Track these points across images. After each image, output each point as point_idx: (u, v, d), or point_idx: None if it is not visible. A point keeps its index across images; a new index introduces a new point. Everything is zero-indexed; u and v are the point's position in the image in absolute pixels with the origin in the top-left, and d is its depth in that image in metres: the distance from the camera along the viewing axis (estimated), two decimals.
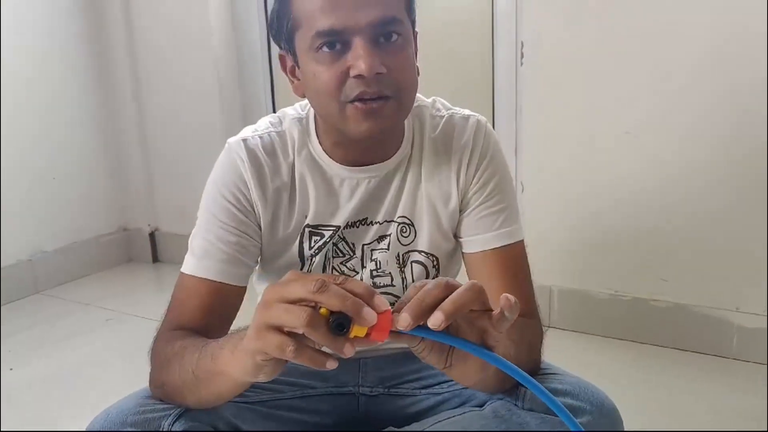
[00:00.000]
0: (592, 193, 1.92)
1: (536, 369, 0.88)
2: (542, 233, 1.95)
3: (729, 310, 1.78)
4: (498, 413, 0.83)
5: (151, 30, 2.64)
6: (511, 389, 0.84)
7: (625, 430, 0.84)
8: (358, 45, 0.80)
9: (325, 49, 0.81)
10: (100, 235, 2.80)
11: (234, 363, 0.67)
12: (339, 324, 0.56)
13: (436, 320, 0.57)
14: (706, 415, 1.52)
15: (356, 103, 0.82)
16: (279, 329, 0.58)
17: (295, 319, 0.56)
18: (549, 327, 1.76)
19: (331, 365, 0.59)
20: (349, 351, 0.57)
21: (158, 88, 2.70)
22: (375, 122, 0.84)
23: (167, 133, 2.74)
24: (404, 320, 0.57)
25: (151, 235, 2.88)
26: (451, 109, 1.00)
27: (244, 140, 0.94)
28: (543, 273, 1.95)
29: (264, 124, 0.98)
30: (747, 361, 1.76)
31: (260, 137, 0.95)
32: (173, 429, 0.79)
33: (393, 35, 0.82)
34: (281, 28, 0.88)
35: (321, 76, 0.83)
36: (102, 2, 2.67)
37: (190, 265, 0.91)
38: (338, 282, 0.58)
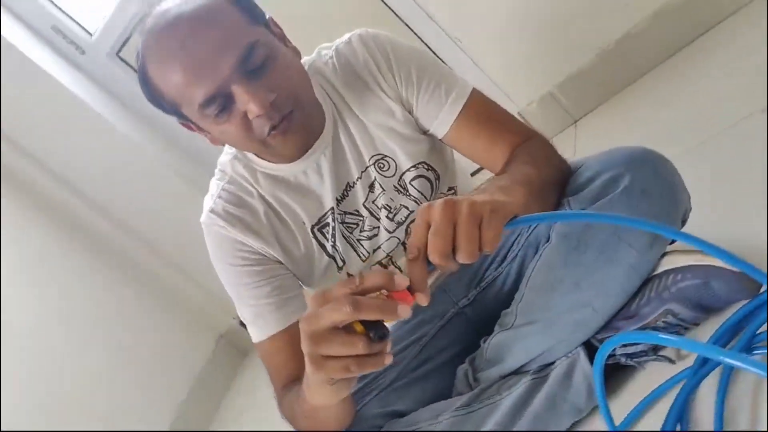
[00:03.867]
0: None
1: (568, 170, 0.90)
2: None
3: None
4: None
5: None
6: None
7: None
8: (238, 91, 0.83)
9: (215, 111, 0.85)
10: None
11: (315, 396, 0.72)
12: (382, 335, 0.63)
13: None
14: None
15: (271, 134, 0.86)
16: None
17: (352, 349, 0.62)
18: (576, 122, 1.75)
19: (389, 360, 0.65)
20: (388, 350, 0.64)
21: None
22: (297, 135, 0.89)
23: None
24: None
25: None
26: (332, 44, 1.00)
27: (212, 210, 0.98)
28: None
29: (214, 185, 1.01)
30: None
31: (219, 197, 0.99)
32: None
33: (259, 58, 0.84)
34: (166, 109, 0.91)
35: (228, 132, 0.87)
36: None
37: (254, 333, 0.97)
38: (358, 286, 0.62)
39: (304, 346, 0.65)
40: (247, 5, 0.88)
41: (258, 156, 0.97)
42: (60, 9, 2.05)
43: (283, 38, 0.92)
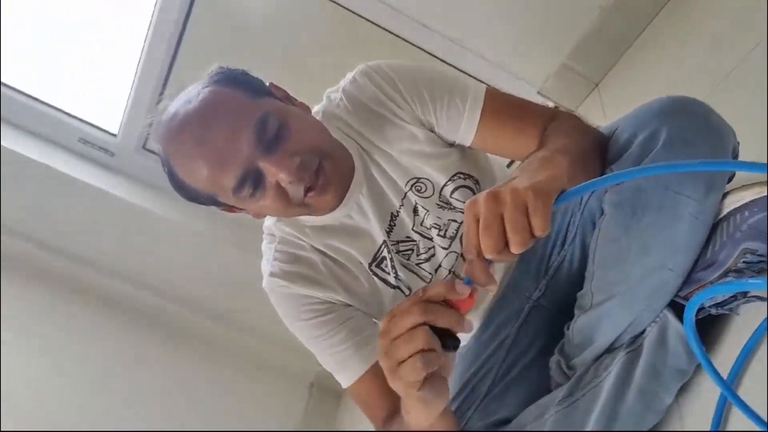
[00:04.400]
0: None
1: (602, 137, 0.89)
2: None
3: None
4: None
5: None
6: None
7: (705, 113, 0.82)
8: (265, 166, 0.86)
9: (249, 191, 0.88)
10: None
11: (414, 416, 0.74)
12: (455, 345, 0.68)
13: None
14: None
15: (308, 195, 0.89)
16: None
17: (416, 343, 0.66)
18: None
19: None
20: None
21: None
22: (333, 187, 0.91)
23: None
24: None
25: None
26: (338, 86, 1.01)
27: (271, 273, 1.00)
28: None
29: (266, 249, 1.04)
30: None
31: (275, 259, 1.01)
32: None
33: (273, 128, 0.86)
34: (205, 203, 0.94)
35: (267, 206, 0.91)
36: None
37: (343, 379, 0.99)
38: (421, 297, 0.66)
39: (382, 362, 0.68)
40: (245, 83, 0.91)
41: None
42: (82, 120, 2.13)
43: (288, 99, 0.95)
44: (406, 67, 0.98)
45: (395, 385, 0.69)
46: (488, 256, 0.66)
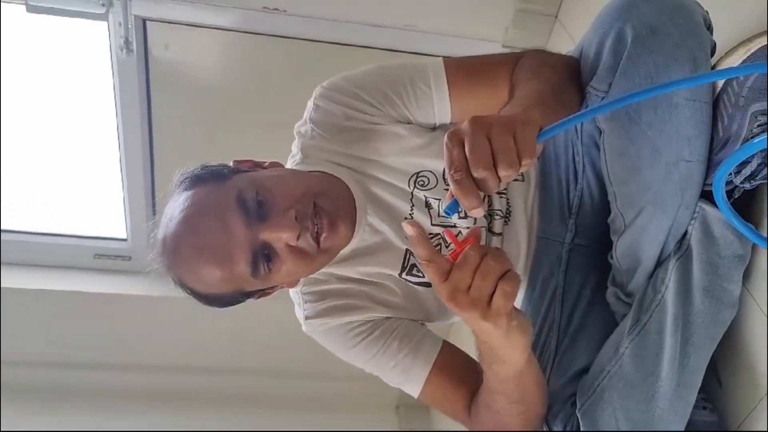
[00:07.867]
0: None
1: (573, 63, 0.87)
2: None
3: None
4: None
5: None
6: None
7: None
8: (266, 236, 0.84)
9: (266, 267, 0.85)
10: None
11: (510, 349, 0.73)
12: None
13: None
14: None
15: (321, 239, 0.86)
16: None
17: (501, 267, 0.66)
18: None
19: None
20: None
21: None
22: (341, 220, 0.88)
23: None
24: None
25: None
26: (302, 119, 0.99)
27: (307, 317, 0.98)
28: None
29: (295, 295, 1.01)
30: None
31: (305, 302, 0.99)
32: None
33: (252, 199, 0.84)
34: (237, 302, 0.92)
35: (291, 271, 0.87)
36: None
37: (411, 389, 0.96)
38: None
39: (470, 313, 0.67)
40: (209, 174, 0.89)
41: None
42: (92, 237, 2.16)
43: (257, 166, 0.94)
44: (360, 74, 0.96)
45: (496, 323, 0.67)
46: (478, 173, 0.63)
